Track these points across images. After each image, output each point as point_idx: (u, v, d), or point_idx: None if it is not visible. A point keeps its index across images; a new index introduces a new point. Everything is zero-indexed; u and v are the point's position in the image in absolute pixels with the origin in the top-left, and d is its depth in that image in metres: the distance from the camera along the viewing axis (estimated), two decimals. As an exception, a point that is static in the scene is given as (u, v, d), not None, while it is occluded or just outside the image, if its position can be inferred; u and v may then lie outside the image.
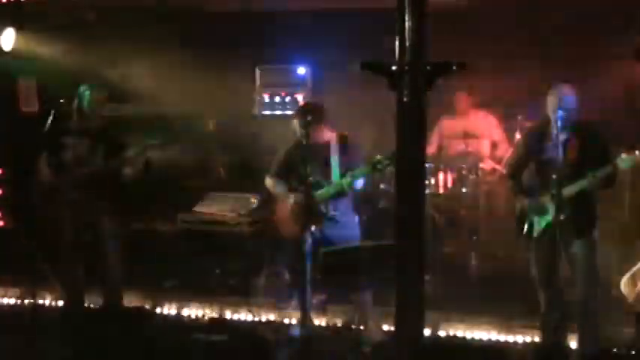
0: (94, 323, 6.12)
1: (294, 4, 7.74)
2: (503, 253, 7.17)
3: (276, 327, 6.25)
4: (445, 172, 7.45)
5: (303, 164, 5.70)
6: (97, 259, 6.14)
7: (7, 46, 7.55)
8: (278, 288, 6.76)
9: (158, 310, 6.61)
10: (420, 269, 3.14)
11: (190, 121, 7.96)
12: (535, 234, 5.25)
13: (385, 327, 5.83)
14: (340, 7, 7.60)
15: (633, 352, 5.51)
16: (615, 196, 5.84)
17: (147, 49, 8.04)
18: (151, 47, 8.03)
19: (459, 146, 7.66)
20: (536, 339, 5.69)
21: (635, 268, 5.52)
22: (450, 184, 7.45)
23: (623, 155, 4.95)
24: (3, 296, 7.07)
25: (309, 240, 5.28)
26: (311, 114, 5.65)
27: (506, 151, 7.40)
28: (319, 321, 6.14)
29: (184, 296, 6.80)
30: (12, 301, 6.99)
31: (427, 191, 7.23)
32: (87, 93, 6.06)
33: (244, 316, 6.49)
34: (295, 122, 5.70)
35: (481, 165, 7.51)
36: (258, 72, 8.24)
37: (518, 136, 7.17)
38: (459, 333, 5.99)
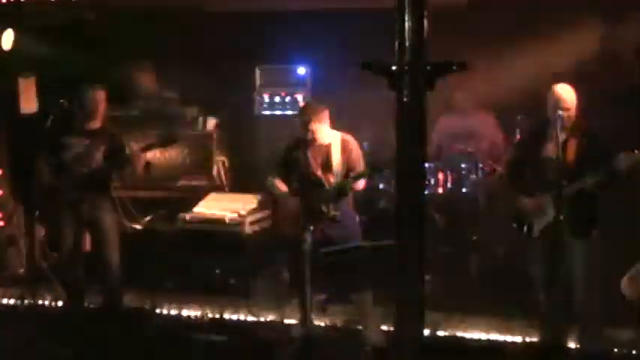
0: (94, 323, 6.11)
1: (294, 4, 7.74)
2: (503, 253, 7.17)
3: (276, 327, 6.25)
4: (445, 172, 7.44)
5: (304, 164, 5.71)
6: (97, 259, 6.15)
7: (7, 46, 7.54)
8: (278, 288, 6.77)
9: (158, 310, 6.61)
10: (420, 269, 3.14)
11: (190, 120, 7.95)
12: (535, 234, 5.25)
13: (385, 327, 5.83)
14: (340, 7, 7.60)
15: (634, 352, 5.52)
16: (615, 195, 5.82)
17: (147, 49, 8.06)
18: (151, 47, 8.04)
19: (459, 146, 7.65)
20: (536, 339, 5.69)
21: (635, 268, 5.52)
22: (449, 184, 7.44)
23: (623, 155, 4.95)
24: (3, 296, 7.07)
25: (309, 240, 5.29)
26: (313, 114, 5.66)
27: (505, 151, 7.39)
28: (319, 321, 6.14)
29: (184, 296, 6.80)
30: (12, 301, 6.99)
31: (427, 191, 7.23)
32: (88, 93, 6.07)
33: (244, 316, 6.49)
34: (297, 122, 5.72)
35: (481, 165, 7.50)
36: (258, 72, 8.23)
37: (518, 136, 7.17)
38: (459, 333, 5.99)
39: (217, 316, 6.54)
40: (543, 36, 7.13)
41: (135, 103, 8.10)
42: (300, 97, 8.08)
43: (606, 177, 4.99)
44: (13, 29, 7.56)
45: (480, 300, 6.50)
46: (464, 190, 7.45)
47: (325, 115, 5.72)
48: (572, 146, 5.09)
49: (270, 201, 6.40)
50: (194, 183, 7.81)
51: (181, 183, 7.81)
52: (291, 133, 6.10)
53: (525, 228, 5.29)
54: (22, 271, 7.65)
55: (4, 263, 7.79)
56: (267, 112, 8.21)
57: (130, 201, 7.34)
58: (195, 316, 6.57)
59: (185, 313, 6.61)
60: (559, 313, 5.32)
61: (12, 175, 7.96)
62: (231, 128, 8.12)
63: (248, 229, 7.06)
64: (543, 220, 5.18)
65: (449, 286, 6.76)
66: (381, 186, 7.49)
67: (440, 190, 7.44)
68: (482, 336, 5.93)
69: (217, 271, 7.16)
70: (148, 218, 7.64)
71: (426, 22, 2.97)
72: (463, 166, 7.46)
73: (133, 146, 6.26)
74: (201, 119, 7.90)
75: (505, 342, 5.85)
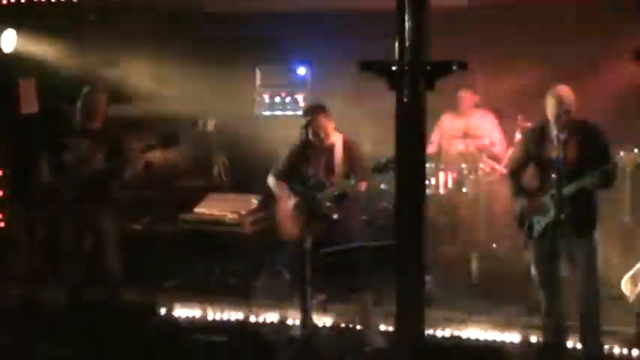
0: (94, 323, 6.11)
1: (294, 4, 7.74)
2: (503, 253, 7.17)
3: (277, 327, 6.25)
4: (445, 172, 7.44)
5: (306, 165, 5.71)
6: (97, 259, 6.15)
7: (8, 47, 7.54)
8: (278, 288, 6.77)
9: (158, 310, 6.60)
10: (421, 269, 3.14)
11: (191, 121, 7.95)
12: (535, 234, 5.24)
13: (386, 327, 5.83)
14: (340, 7, 7.60)
15: (634, 352, 5.52)
16: (615, 195, 5.83)
17: (147, 50, 8.06)
18: (151, 47, 8.04)
19: (460, 146, 7.65)
20: (537, 339, 5.69)
21: (635, 268, 5.53)
22: (450, 184, 7.44)
23: (623, 154, 4.95)
24: (3, 296, 7.07)
25: (310, 240, 5.29)
26: (315, 115, 5.66)
27: (506, 151, 7.39)
28: (320, 321, 6.14)
29: (185, 296, 6.80)
30: (12, 301, 6.99)
31: (427, 191, 7.23)
32: (89, 93, 6.07)
33: (245, 316, 6.49)
34: (300, 122, 5.73)
35: (481, 165, 7.50)
36: (258, 72, 8.24)
37: (518, 136, 7.17)
38: (460, 333, 5.99)
39: (218, 316, 6.54)
40: (544, 35, 7.14)
41: (135, 103, 8.10)
42: (300, 98, 8.09)
43: (606, 177, 4.99)
44: (14, 30, 7.56)
45: (480, 300, 6.50)
46: (464, 190, 7.45)
47: (330, 116, 5.72)
48: (572, 146, 5.09)
49: (270, 201, 6.39)
50: (194, 183, 7.82)
51: (181, 183, 7.82)
52: (291, 134, 6.10)
53: (526, 228, 5.29)
54: (22, 271, 7.66)
55: (5, 263, 7.80)
56: (267, 112, 8.21)
57: (130, 201, 7.33)
58: (196, 316, 6.57)
59: (185, 313, 6.61)
60: (559, 313, 5.33)
61: (12, 175, 7.96)
62: (231, 128, 8.12)
63: (248, 229, 7.06)
64: (544, 220, 5.18)
65: (449, 286, 6.76)
66: (381, 186, 7.49)
67: (440, 190, 7.44)
68: (483, 336, 5.93)
69: (217, 271, 7.16)
70: (148, 219, 7.64)
71: (426, 22, 2.97)
72: (463, 166, 7.46)
73: (134, 146, 6.26)
74: (201, 119, 7.90)
75: (506, 342, 5.84)
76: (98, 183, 6.05)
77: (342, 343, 5.92)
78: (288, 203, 5.81)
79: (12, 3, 7.47)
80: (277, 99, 8.17)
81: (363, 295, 5.80)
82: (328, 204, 5.67)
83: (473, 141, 7.64)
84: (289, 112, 8.05)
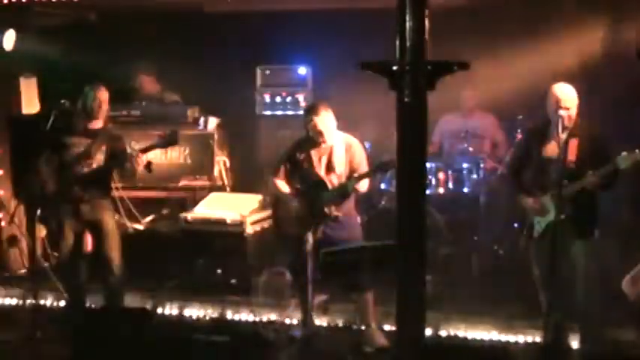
0: (94, 323, 6.11)
1: (294, 4, 7.74)
2: (503, 253, 7.17)
3: (278, 327, 6.25)
4: (446, 172, 7.44)
5: (307, 164, 5.71)
6: (98, 259, 6.15)
7: (9, 46, 7.55)
8: (279, 288, 6.77)
9: (159, 310, 6.61)
10: (421, 269, 3.14)
11: (192, 121, 7.95)
12: (536, 234, 5.24)
13: (386, 327, 5.83)
14: (341, 7, 7.60)
15: (635, 352, 5.52)
16: (616, 195, 5.82)
17: (147, 50, 8.06)
18: (151, 47, 8.04)
19: (460, 146, 7.65)
20: (538, 339, 5.69)
21: (636, 268, 5.52)
22: (450, 184, 7.44)
23: (624, 154, 4.95)
24: (4, 296, 7.07)
25: (311, 240, 5.29)
26: (318, 114, 5.66)
27: (506, 151, 7.39)
28: (320, 321, 6.14)
29: (185, 296, 6.80)
30: (13, 301, 6.99)
31: (428, 191, 7.23)
32: (90, 93, 6.07)
33: (246, 316, 6.49)
34: (301, 122, 5.73)
35: (482, 165, 7.51)
36: (258, 72, 8.24)
37: (518, 136, 7.17)
38: (461, 333, 5.99)
39: (218, 316, 6.54)
40: (544, 35, 7.13)
41: (136, 103, 8.10)
42: (300, 97, 8.09)
43: (607, 177, 4.99)
44: (15, 29, 7.57)
45: (481, 300, 6.50)
46: (465, 189, 7.45)
47: (331, 115, 5.72)
48: (573, 146, 5.08)
49: (271, 201, 6.39)
50: (195, 183, 7.81)
51: (182, 183, 7.81)
52: (292, 134, 6.10)
53: (526, 228, 5.29)
54: (23, 271, 7.66)
55: (6, 263, 7.80)
56: (268, 112, 8.22)
57: (131, 201, 7.33)
58: (197, 317, 6.57)
59: (186, 313, 6.61)
60: (560, 314, 5.32)
61: (13, 174, 7.97)
62: (232, 128, 8.12)
63: (249, 229, 7.06)
64: (544, 220, 5.18)
65: (450, 286, 6.76)
66: (382, 186, 7.49)
67: (441, 190, 7.45)
68: (484, 336, 5.93)
69: (218, 271, 7.16)
70: (149, 218, 7.64)
71: (426, 21, 2.97)
72: (464, 166, 7.46)
73: (134, 146, 6.26)
74: (202, 119, 7.90)
75: (507, 342, 5.84)
76: (99, 183, 6.05)
77: (342, 343, 5.92)
78: (288, 203, 5.81)
79: (13, 2, 7.47)
80: (278, 99, 8.18)
81: (363, 296, 5.80)
82: (329, 204, 5.66)
83: (474, 141, 7.64)
84: (290, 112, 8.06)
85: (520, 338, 5.84)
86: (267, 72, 8.24)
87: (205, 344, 5.53)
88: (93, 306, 6.40)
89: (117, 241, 6.14)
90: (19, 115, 8.07)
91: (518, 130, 7.30)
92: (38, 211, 6.48)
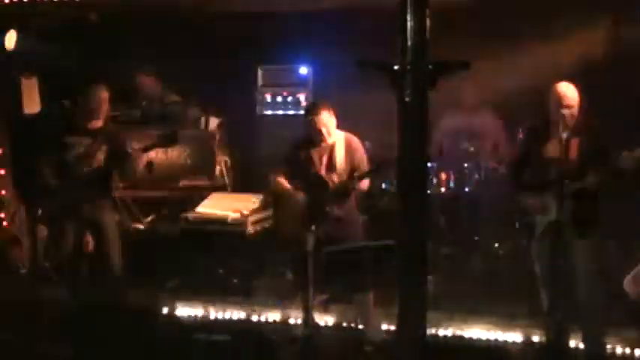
0: (95, 323, 6.11)
1: (294, 4, 7.73)
2: (504, 253, 7.16)
3: (279, 327, 6.25)
4: (447, 172, 7.43)
5: (308, 163, 5.71)
6: (99, 259, 6.14)
7: (10, 46, 7.55)
8: (280, 288, 6.77)
9: (160, 310, 6.61)
10: (423, 269, 3.13)
11: (192, 120, 7.95)
12: (537, 233, 5.23)
13: (387, 327, 5.83)
14: (341, 7, 7.59)
15: (636, 352, 5.51)
16: (617, 195, 5.81)
17: (147, 50, 8.05)
18: (151, 47, 8.03)
19: (462, 145, 7.64)
20: (539, 339, 5.69)
21: (637, 268, 5.51)
22: (451, 184, 7.43)
23: (625, 154, 4.94)
24: (5, 296, 7.07)
25: (312, 240, 5.28)
26: (319, 113, 5.66)
27: (507, 151, 7.38)
28: (321, 321, 6.14)
29: (186, 296, 6.80)
30: (13, 301, 6.99)
31: (429, 191, 7.22)
32: (90, 92, 6.07)
33: (246, 315, 6.49)
34: (302, 121, 5.73)
35: (483, 164, 7.49)
36: (260, 72, 8.24)
37: (520, 135, 7.15)
38: (461, 333, 5.98)
39: (220, 315, 6.54)
40: (546, 35, 7.13)
41: (137, 103, 8.10)
42: (302, 97, 8.10)
43: (608, 176, 4.98)
44: (16, 29, 7.57)
45: (482, 300, 6.49)
46: (466, 189, 7.45)
47: (332, 114, 5.72)
48: (575, 145, 5.07)
49: (272, 200, 6.39)
50: (196, 183, 7.81)
51: (183, 183, 7.81)
52: (293, 133, 6.09)
53: (527, 227, 5.28)
54: (24, 271, 7.66)
55: (7, 263, 7.80)
56: (269, 112, 8.22)
57: (131, 201, 7.33)
58: (198, 316, 6.57)
59: (187, 312, 6.61)
60: (561, 313, 5.31)
61: (14, 174, 7.96)
62: (233, 128, 8.12)
63: (250, 228, 7.06)
64: (545, 220, 5.17)
65: (451, 285, 6.75)
66: (383, 186, 7.49)
67: (442, 190, 7.44)
68: (485, 336, 5.92)
69: (220, 270, 7.16)
70: (149, 218, 7.64)
71: (428, 21, 2.97)
72: (466, 165, 7.45)
73: (135, 146, 6.25)
74: (203, 119, 7.90)
75: (508, 342, 5.83)
76: (99, 182, 6.05)
77: (343, 342, 5.92)
78: (289, 202, 5.81)
79: (14, 2, 7.47)
80: (279, 99, 8.18)
81: (364, 295, 5.79)
82: (330, 203, 5.66)
83: (475, 140, 7.63)
84: (291, 112, 8.06)
85: (522, 338, 5.83)
86: (269, 72, 8.24)
87: (207, 344, 5.53)
88: (93, 306, 6.39)
89: (117, 241, 6.14)
90: (20, 115, 8.06)
91: (520, 130, 7.29)
92: (39, 211, 6.48)
